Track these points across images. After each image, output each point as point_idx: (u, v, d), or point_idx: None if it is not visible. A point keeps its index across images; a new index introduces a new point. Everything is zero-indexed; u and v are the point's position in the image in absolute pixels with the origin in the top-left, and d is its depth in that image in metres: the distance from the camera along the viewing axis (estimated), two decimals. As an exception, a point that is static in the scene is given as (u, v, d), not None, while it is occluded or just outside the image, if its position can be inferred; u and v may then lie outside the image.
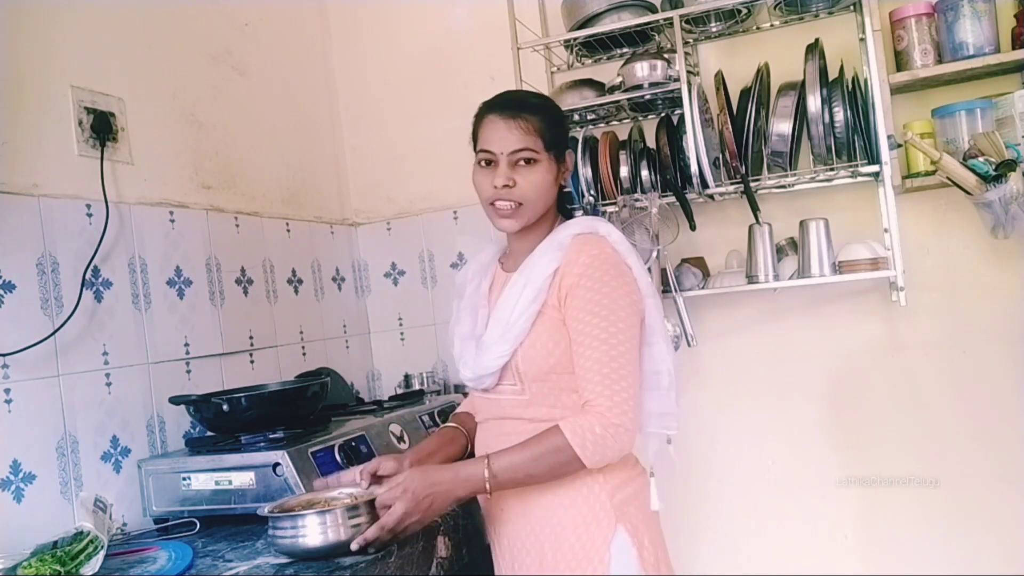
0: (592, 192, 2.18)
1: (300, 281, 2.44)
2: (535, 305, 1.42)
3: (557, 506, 1.43)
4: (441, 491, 1.36)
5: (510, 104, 1.48)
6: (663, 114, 2.25)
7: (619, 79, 2.17)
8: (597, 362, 1.35)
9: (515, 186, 1.45)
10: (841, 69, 2.06)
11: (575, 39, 2.25)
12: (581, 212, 2.18)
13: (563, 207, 1.60)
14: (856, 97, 2.03)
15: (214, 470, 1.67)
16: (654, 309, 1.44)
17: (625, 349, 1.36)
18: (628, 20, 2.16)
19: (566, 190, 1.62)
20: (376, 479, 1.46)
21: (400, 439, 1.91)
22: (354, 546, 1.31)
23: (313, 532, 1.31)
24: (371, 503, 1.36)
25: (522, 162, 1.45)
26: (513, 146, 1.45)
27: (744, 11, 2.17)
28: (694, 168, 2.05)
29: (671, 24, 2.10)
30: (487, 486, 1.35)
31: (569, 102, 2.22)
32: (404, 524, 1.33)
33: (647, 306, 1.43)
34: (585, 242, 1.43)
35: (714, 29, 2.28)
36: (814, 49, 2.03)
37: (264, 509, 1.38)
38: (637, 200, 2.12)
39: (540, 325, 1.42)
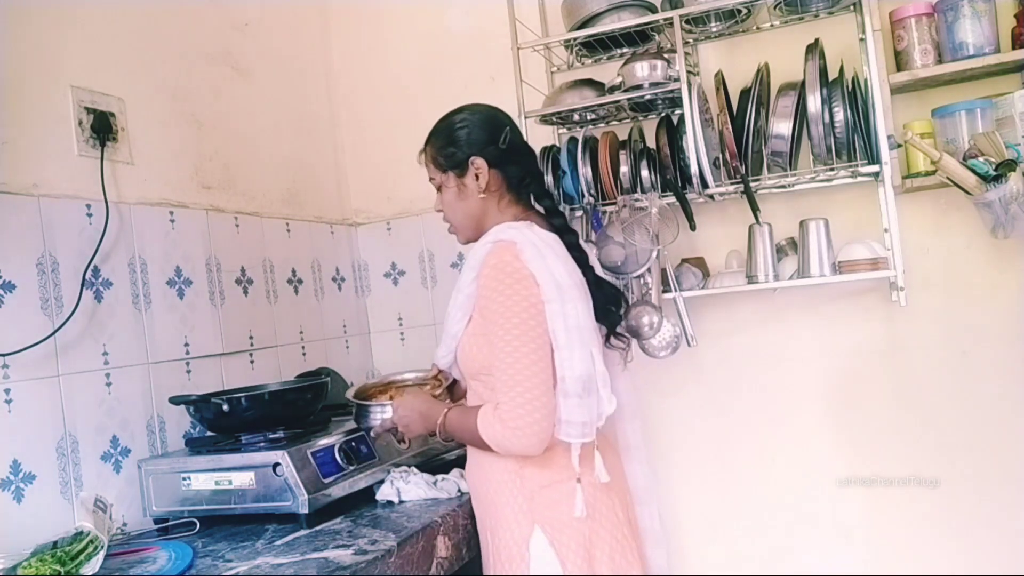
0: (592, 192, 2.18)
1: (300, 281, 2.44)
2: (465, 312, 1.54)
3: (489, 503, 1.54)
4: (414, 417, 1.60)
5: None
6: (663, 114, 2.25)
7: (619, 79, 2.17)
8: (499, 368, 1.44)
9: (444, 211, 1.67)
10: (841, 69, 2.06)
11: (575, 39, 2.24)
12: (563, 206, 2.19)
13: (528, 200, 1.65)
14: (856, 97, 2.02)
15: (214, 470, 1.67)
16: (558, 315, 1.44)
17: (521, 354, 1.41)
18: (628, 20, 2.16)
19: (525, 183, 1.65)
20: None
21: (400, 439, 1.91)
22: (372, 434, 1.74)
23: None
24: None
25: (437, 190, 1.66)
26: (428, 178, 1.68)
27: (744, 11, 2.16)
28: (694, 168, 2.04)
29: (671, 24, 2.09)
30: (437, 430, 1.56)
31: (569, 102, 2.21)
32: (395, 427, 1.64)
33: (549, 312, 1.44)
34: (490, 252, 1.48)
35: (714, 29, 2.28)
36: (814, 49, 2.02)
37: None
38: (637, 200, 2.12)
39: (470, 329, 1.53)
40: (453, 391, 1.76)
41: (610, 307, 1.62)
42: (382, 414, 1.68)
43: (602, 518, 1.50)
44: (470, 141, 1.59)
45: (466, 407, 1.57)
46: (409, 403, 1.63)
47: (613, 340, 1.65)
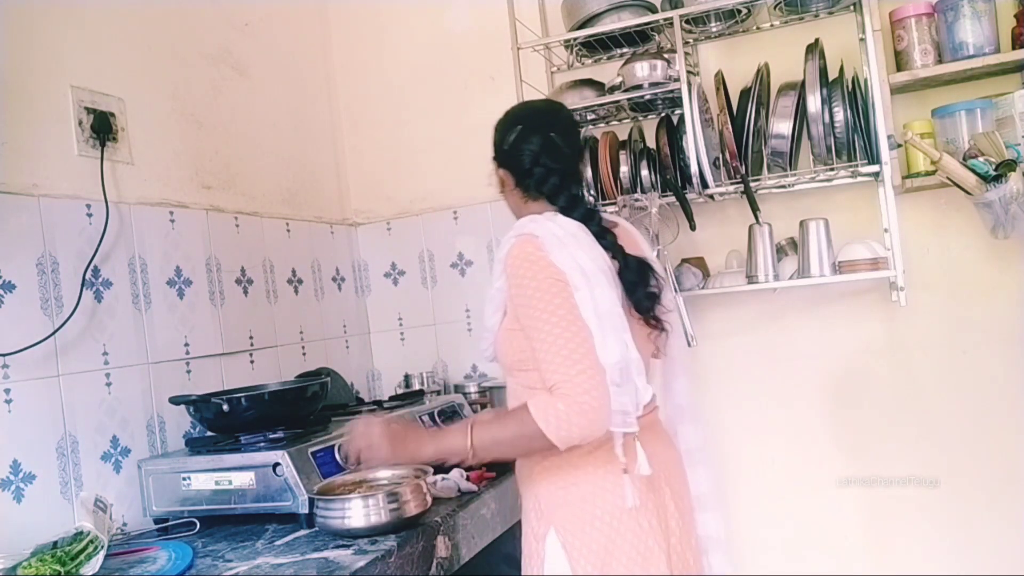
0: (592, 192, 2.18)
1: (300, 281, 2.44)
2: (498, 306, 1.51)
3: (522, 489, 1.54)
4: (419, 436, 1.48)
5: None
6: (663, 114, 2.25)
7: (619, 79, 2.17)
8: (550, 351, 1.37)
9: None
10: (841, 69, 2.06)
11: (575, 39, 2.25)
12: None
13: (557, 198, 1.60)
14: (856, 97, 2.02)
15: (214, 470, 1.67)
16: (587, 302, 1.41)
17: (574, 331, 1.37)
18: (628, 20, 2.16)
19: (531, 183, 1.62)
20: None
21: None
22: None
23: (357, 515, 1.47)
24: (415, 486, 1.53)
25: None
26: None
27: (744, 11, 2.17)
28: (694, 168, 2.05)
29: (671, 24, 2.10)
30: (469, 452, 1.41)
31: (569, 102, 2.21)
32: (360, 452, 1.47)
33: (579, 299, 1.41)
34: (513, 246, 1.47)
35: (714, 29, 2.28)
36: (814, 49, 2.03)
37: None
38: (637, 200, 2.12)
39: (504, 323, 1.51)
40: None
41: (637, 283, 1.53)
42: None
43: (621, 526, 1.44)
44: (493, 142, 1.65)
45: (495, 416, 1.46)
46: (383, 422, 1.49)
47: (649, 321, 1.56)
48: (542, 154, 1.63)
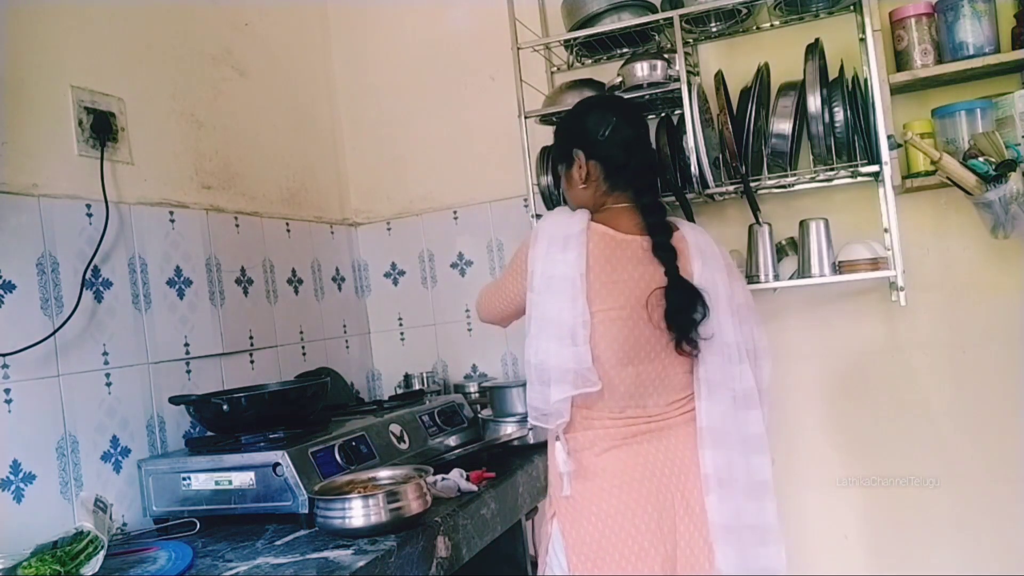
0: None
1: (300, 281, 2.44)
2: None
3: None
4: None
5: None
6: (663, 114, 2.25)
7: (619, 79, 2.16)
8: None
9: None
10: (841, 69, 2.06)
11: (575, 39, 2.25)
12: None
13: (629, 191, 1.65)
14: (856, 97, 2.02)
15: (214, 470, 1.67)
16: (534, 304, 1.54)
17: (491, 282, 1.78)
18: (628, 20, 2.16)
19: (624, 176, 1.65)
20: None
21: (400, 439, 1.91)
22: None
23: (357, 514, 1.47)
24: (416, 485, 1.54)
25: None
26: None
27: (744, 11, 2.17)
28: (694, 168, 2.04)
29: (671, 24, 2.09)
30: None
31: (569, 102, 2.21)
32: None
33: (528, 299, 1.56)
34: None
35: (714, 29, 2.28)
36: (814, 49, 2.02)
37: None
38: (637, 200, 2.12)
39: None
40: None
41: (679, 311, 1.51)
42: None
43: (616, 526, 1.50)
44: (572, 134, 1.67)
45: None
46: None
47: (681, 346, 1.54)
48: (637, 148, 1.64)
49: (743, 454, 1.55)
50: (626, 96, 2.13)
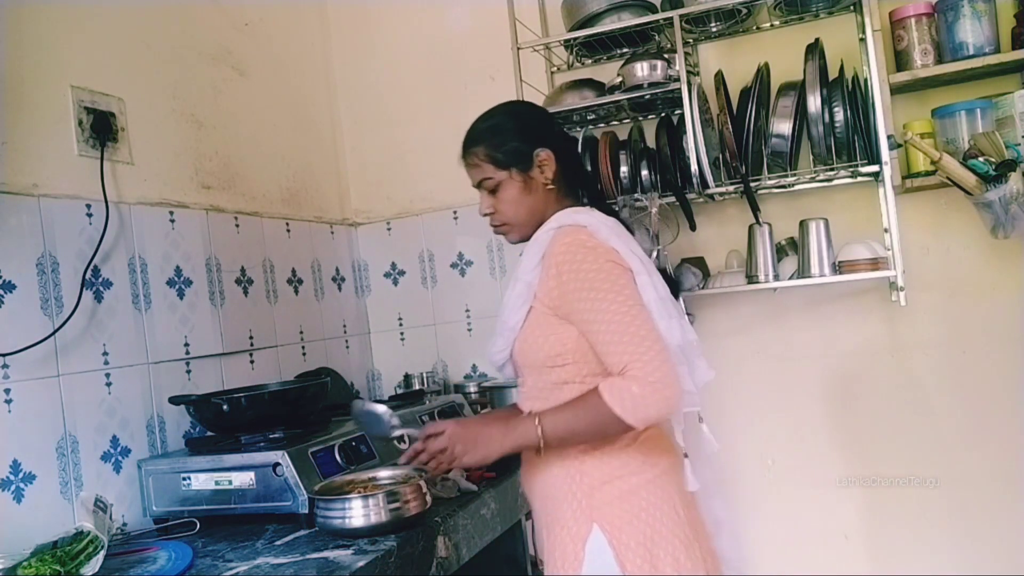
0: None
1: (300, 281, 2.44)
2: (524, 301, 1.47)
3: (548, 499, 1.47)
4: (489, 435, 1.42)
5: (463, 143, 1.57)
6: (663, 114, 2.25)
7: (619, 79, 2.17)
8: (616, 333, 1.35)
9: (496, 211, 1.54)
10: (841, 69, 2.06)
11: (575, 39, 2.25)
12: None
13: (576, 192, 1.60)
14: (856, 97, 2.02)
15: (214, 470, 1.67)
16: (648, 286, 1.42)
17: (637, 312, 1.37)
18: (628, 20, 2.16)
19: (579, 173, 1.62)
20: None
21: (400, 440, 1.91)
22: (402, 460, 1.50)
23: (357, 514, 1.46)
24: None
25: (489, 191, 1.54)
26: (475, 180, 1.56)
27: (744, 11, 2.17)
28: (694, 168, 2.05)
29: (671, 24, 2.10)
30: (540, 443, 1.38)
31: (569, 102, 2.22)
32: (446, 450, 1.42)
33: (640, 283, 1.42)
34: (560, 235, 1.45)
35: (714, 29, 2.28)
36: (814, 49, 2.03)
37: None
38: (637, 200, 2.12)
39: (531, 319, 1.46)
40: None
41: (666, 278, 1.55)
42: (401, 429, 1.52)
43: (664, 517, 1.43)
44: (531, 134, 1.55)
45: (561, 404, 1.42)
46: (460, 422, 1.48)
47: None
48: (576, 147, 1.63)
49: None
50: (626, 96, 2.13)
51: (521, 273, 1.48)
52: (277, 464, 1.60)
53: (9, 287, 1.57)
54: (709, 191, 2.09)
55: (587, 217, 1.47)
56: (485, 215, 1.56)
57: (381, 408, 1.57)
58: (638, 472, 1.44)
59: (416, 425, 1.92)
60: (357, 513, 1.46)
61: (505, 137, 1.54)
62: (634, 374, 1.32)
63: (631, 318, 1.36)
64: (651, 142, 2.22)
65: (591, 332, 1.38)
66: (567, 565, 1.41)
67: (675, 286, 1.62)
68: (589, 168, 2.16)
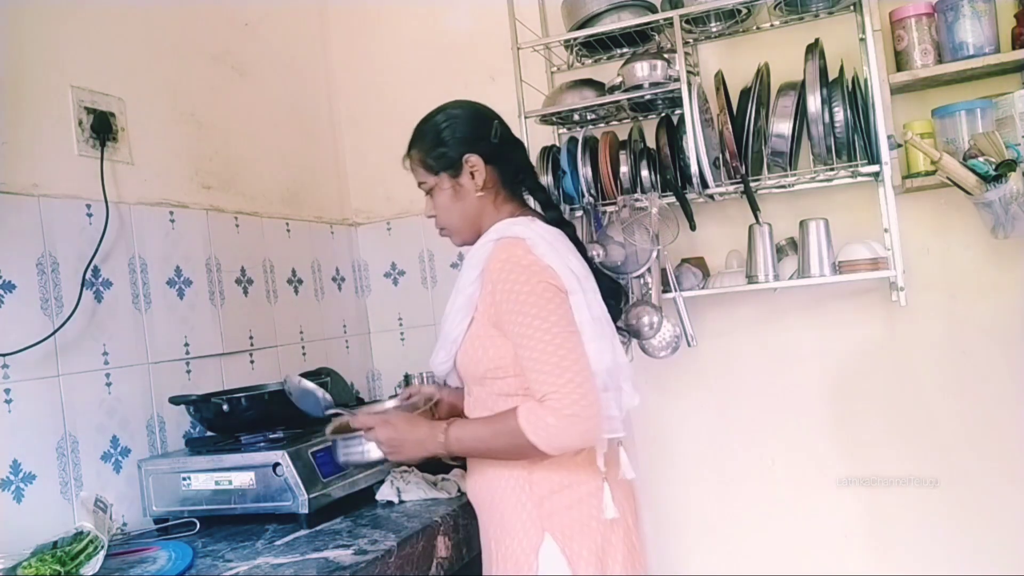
0: (592, 192, 2.18)
1: (300, 281, 2.44)
2: (465, 314, 1.47)
3: (494, 511, 1.47)
4: (411, 440, 1.48)
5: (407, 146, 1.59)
6: (663, 114, 2.25)
7: (619, 79, 2.16)
8: (539, 361, 1.35)
9: (436, 215, 1.58)
10: (841, 69, 2.06)
11: (575, 39, 2.24)
12: (563, 207, 2.19)
13: (521, 197, 1.60)
14: (856, 97, 2.02)
15: (214, 470, 1.67)
16: (582, 306, 1.41)
17: (564, 339, 1.36)
18: (628, 20, 2.16)
19: (520, 178, 1.60)
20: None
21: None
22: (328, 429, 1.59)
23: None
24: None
25: (427, 194, 1.57)
26: (417, 183, 1.58)
27: (744, 11, 2.16)
28: (694, 168, 2.04)
29: (671, 24, 2.09)
30: (441, 450, 1.45)
31: (569, 102, 2.21)
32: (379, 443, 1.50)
33: (574, 303, 1.41)
34: (498, 249, 1.43)
35: (714, 29, 2.28)
36: (814, 49, 2.02)
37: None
38: (637, 200, 2.12)
39: (472, 331, 1.47)
40: (435, 410, 1.65)
41: (609, 300, 1.55)
42: (361, 449, 1.54)
43: (615, 524, 1.45)
44: (460, 139, 1.52)
45: (481, 417, 1.46)
46: (398, 420, 1.51)
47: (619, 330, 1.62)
48: (525, 151, 1.63)
49: None
50: (626, 96, 2.13)
51: (462, 286, 1.48)
52: (277, 464, 1.61)
53: (9, 287, 1.57)
54: (709, 191, 2.09)
55: (525, 229, 1.44)
56: (429, 217, 1.59)
57: (312, 385, 1.65)
58: (587, 481, 1.44)
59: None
60: (374, 446, 1.51)
61: (435, 142, 1.53)
62: (552, 405, 1.32)
63: (556, 346, 1.35)
64: (651, 142, 2.22)
65: (520, 355, 1.39)
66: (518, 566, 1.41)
67: (616, 303, 1.61)
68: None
